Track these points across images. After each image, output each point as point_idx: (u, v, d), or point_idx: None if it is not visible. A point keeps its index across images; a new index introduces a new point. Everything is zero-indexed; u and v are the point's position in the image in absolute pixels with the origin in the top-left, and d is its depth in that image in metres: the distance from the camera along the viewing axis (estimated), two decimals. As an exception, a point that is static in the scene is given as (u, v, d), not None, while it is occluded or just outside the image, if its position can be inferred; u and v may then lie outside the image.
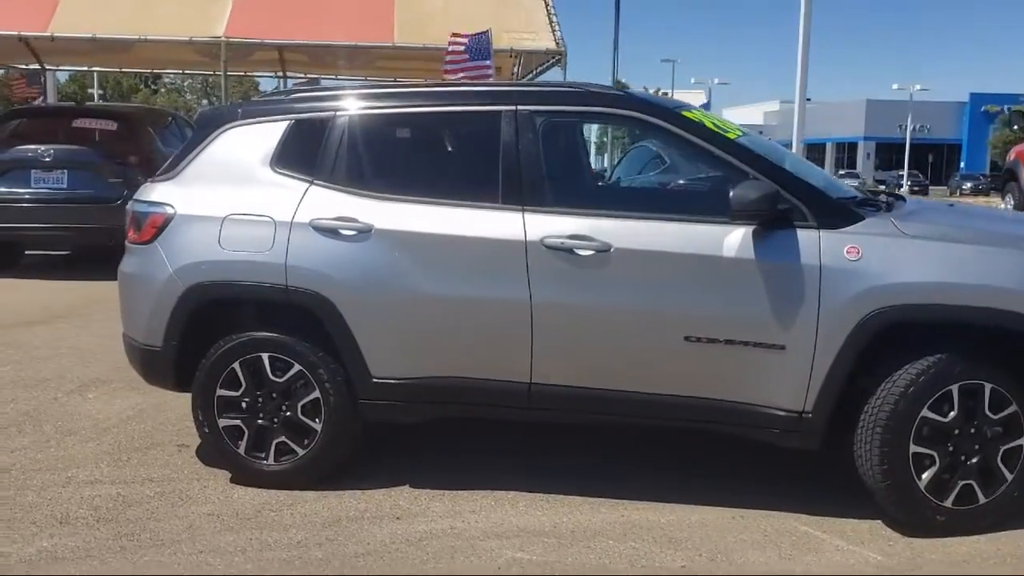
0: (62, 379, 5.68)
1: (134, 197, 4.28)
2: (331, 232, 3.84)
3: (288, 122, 4.05)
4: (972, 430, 3.50)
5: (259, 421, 3.94)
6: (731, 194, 3.52)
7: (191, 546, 3.43)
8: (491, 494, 3.92)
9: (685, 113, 3.93)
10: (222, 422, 3.96)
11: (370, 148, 4.06)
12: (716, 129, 3.84)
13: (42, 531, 3.54)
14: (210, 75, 23.90)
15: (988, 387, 3.48)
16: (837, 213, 3.63)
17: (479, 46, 10.75)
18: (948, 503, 3.52)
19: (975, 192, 44.32)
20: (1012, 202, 16.13)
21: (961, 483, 3.52)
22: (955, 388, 3.47)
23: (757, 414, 3.62)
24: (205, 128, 4.23)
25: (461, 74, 10.70)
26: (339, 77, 16.62)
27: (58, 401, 5.24)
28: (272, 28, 12.25)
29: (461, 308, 3.76)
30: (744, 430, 3.70)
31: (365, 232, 3.82)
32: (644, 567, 3.33)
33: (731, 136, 3.84)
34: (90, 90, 41.84)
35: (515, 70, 14.39)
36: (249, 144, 4.06)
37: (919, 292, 3.48)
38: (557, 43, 11.94)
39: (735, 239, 3.57)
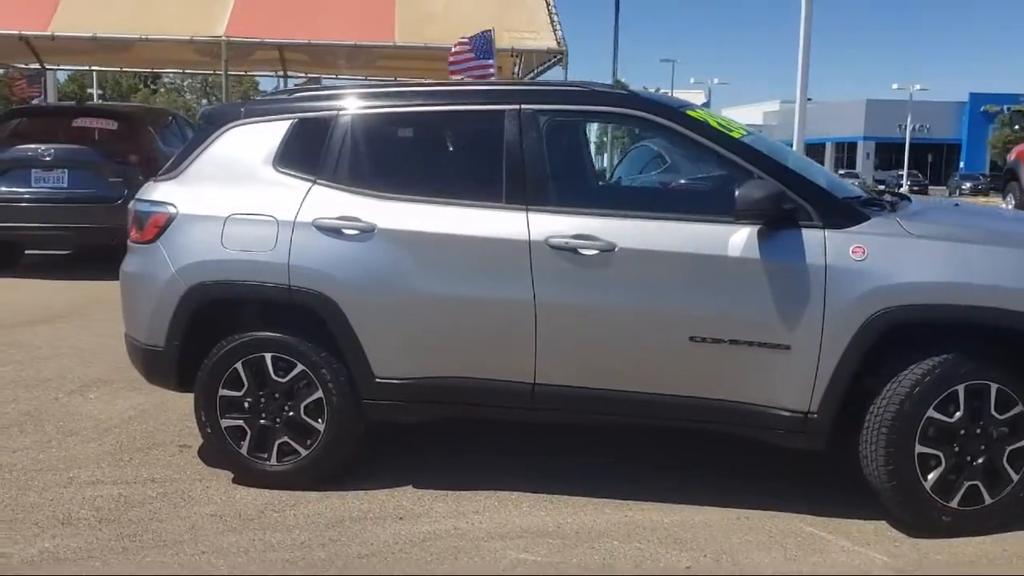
0: (63, 379, 5.66)
1: (136, 196, 4.27)
2: (334, 232, 3.82)
3: (291, 121, 4.03)
4: (978, 431, 3.49)
5: (262, 421, 3.93)
6: (736, 193, 3.50)
7: (194, 547, 3.42)
8: (494, 494, 3.90)
9: (690, 112, 3.92)
10: (224, 422, 3.95)
11: (373, 147, 4.05)
12: (721, 128, 3.82)
13: (44, 532, 3.53)
14: (210, 75, 23.90)
15: (994, 387, 3.46)
16: (842, 213, 3.62)
17: (482, 45, 10.74)
18: (954, 504, 3.51)
19: (974, 192, 44.33)
20: (1013, 202, 16.12)
21: (967, 484, 3.50)
22: (961, 388, 3.46)
23: (762, 415, 3.60)
24: (207, 127, 4.21)
25: (464, 74, 10.69)
26: (339, 77, 16.61)
27: (59, 401, 5.22)
28: (273, 27, 12.24)
29: (464, 308, 3.75)
30: (749, 431, 3.69)
31: (368, 232, 3.80)
32: (649, 568, 3.31)
33: (736, 135, 3.83)
34: (89, 90, 41.80)
35: (516, 69, 14.37)
36: (252, 143, 4.04)
37: (925, 292, 3.47)
38: (558, 42, 11.93)
39: (740, 239, 3.56)
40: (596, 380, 3.73)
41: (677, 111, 3.88)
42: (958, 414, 3.47)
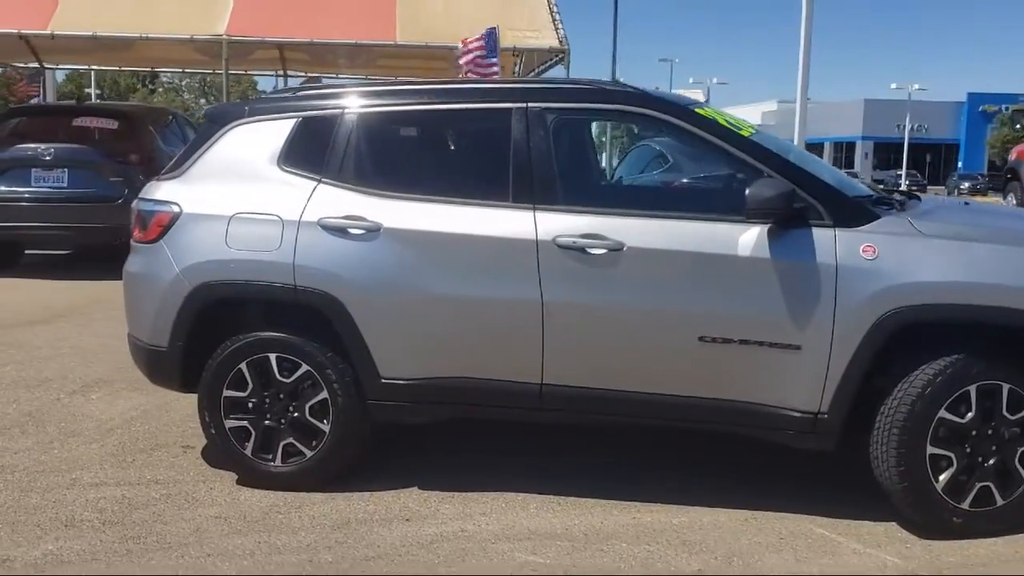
0: (64, 379, 5.63)
1: (139, 195, 4.23)
2: (339, 231, 3.79)
3: (296, 120, 4.00)
4: (989, 431, 3.46)
5: (266, 422, 3.90)
6: (747, 192, 3.48)
7: (199, 549, 3.39)
8: (501, 496, 3.87)
9: (698, 110, 3.89)
10: (229, 423, 3.92)
11: (379, 146, 4.02)
12: (730, 126, 3.79)
13: (47, 534, 3.49)
14: (209, 74, 23.85)
15: (1006, 388, 3.44)
16: (853, 212, 3.59)
17: (489, 44, 10.71)
18: (965, 505, 3.48)
19: (973, 192, 44.32)
20: (1014, 201, 16.14)
21: (978, 485, 3.48)
22: (973, 389, 3.43)
23: (772, 415, 3.57)
24: (211, 126, 4.18)
25: (469, 65, 10.64)
26: (340, 76, 16.57)
27: (61, 402, 5.19)
28: (274, 26, 12.21)
29: (471, 308, 3.72)
30: (758, 431, 3.66)
31: (374, 231, 3.77)
32: (659, 570, 3.28)
33: (745, 133, 3.80)
34: (87, 89, 41.72)
35: (516, 68, 14.34)
36: (256, 142, 4.01)
37: (936, 292, 3.44)
38: (560, 41, 11.90)
39: (750, 238, 3.53)
40: (603, 380, 3.70)
41: (686, 109, 3.85)
42: (970, 415, 3.44)
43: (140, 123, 10.33)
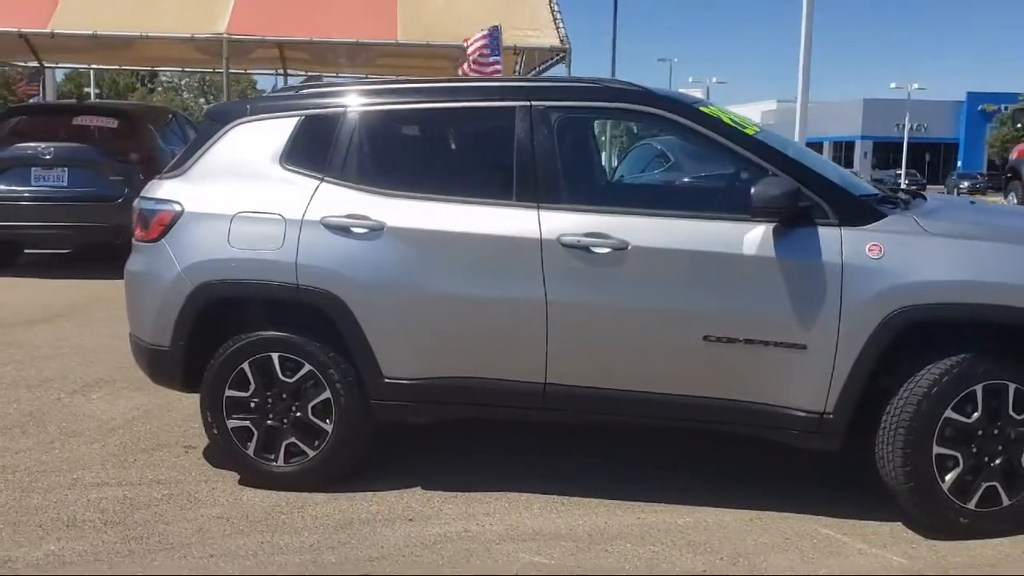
0: (65, 379, 5.61)
1: (141, 194, 4.21)
2: (342, 230, 3.77)
3: (298, 118, 3.98)
4: (996, 431, 3.44)
5: (269, 422, 3.88)
6: (752, 191, 3.46)
7: (202, 550, 3.37)
8: (504, 496, 3.86)
9: (703, 108, 3.87)
10: (231, 423, 3.90)
11: (382, 144, 4.00)
12: (735, 125, 3.77)
13: (49, 534, 3.48)
14: (208, 73, 23.82)
15: (1012, 387, 3.42)
16: (859, 211, 3.57)
17: (492, 42, 10.68)
18: (971, 505, 3.47)
19: (972, 191, 44.33)
20: (1015, 200, 16.14)
21: (985, 485, 3.46)
22: (979, 388, 3.41)
23: (777, 415, 3.56)
24: (213, 124, 4.16)
25: (473, 59, 10.60)
26: (340, 75, 16.54)
27: (61, 401, 5.17)
28: (274, 25, 12.18)
29: (475, 307, 3.70)
30: (763, 431, 3.64)
31: (377, 230, 3.75)
32: (664, 570, 3.27)
33: (750, 132, 3.78)
34: (86, 89, 41.70)
35: (517, 67, 14.32)
36: (258, 140, 3.99)
37: (942, 291, 3.42)
38: (561, 40, 11.88)
39: (755, 236, 3.51)
40: (607, 380, 3.68)
41: (691, 107, 3.83)
42: (976, 414, 3.42)
43: (140, 122, 10.32)
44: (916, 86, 59.37)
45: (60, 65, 19.11)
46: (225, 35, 11.89)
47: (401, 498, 3.84)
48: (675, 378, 3.63)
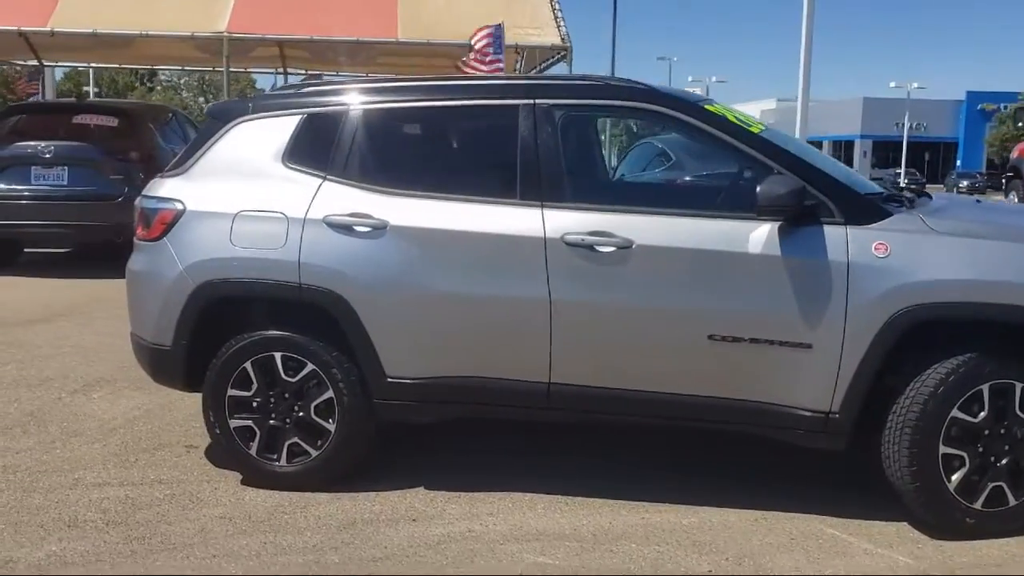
0: (66, 378, 5.58)
1: (143, 193, 4.19)
2: (345, 228, 3.75)
3: (301, 116, 3.96)
4: (1002, 431, 3.43)
5: (271, 422, 3.86)
6: (758, 189, 3.44)
7: (204, 550, 3.35)
8: (508, 496, 3.84)
9: (708, 107, 3.85)
10: (233, 423, 3.88)
11: (384, 143, 3.98)
12: (740, 123, 3.75)
13: (50, 535, 3.46)
14: (207, 72, 23.79)
15: (1019, 386, 3.41)
16: (864, 209, 3.56)
17: (496, 40, 10.65)
18: (978, 505, 3.45)
19: (972, 190, 44.33)
20: (1015, 199, 16.13)
21: (991, 485, 3.45)
22: (985, 388, 3.40)
23: (782, 415, 3.54)
24: (215, 123, 4.14)
25: (476, 56, 10.58)
26: (340, 73, 16.51)
27: (62, 401, 5.15)
28: (274, 23, 12.15)
29: (478, 306, 3.68)
30: (768, 431, 3.62)
31: (380, 228, 3.73)
32: (670, 571, 3.25)
33: (755, 130, 3.77)
34: (85, 88, 41.66)
35: (518, 66, 14.30)
36: (261, 139, 3.97)
37: (949, 290, 3.40)
38: (563, 38, 11.85)
39: (760, 235, 3.49)
40: (611, 379, 3.67)
41: (695, 106, 3.81)
42: (982, 414, 3.41)
43: (140, 121, 10.29)
44: (916, 85, 59.44)
45: (60, 64, 19.07)
46: (225, 33, 11.86)
47: (404, 498, 3.82)
48: (680, 378, 3.62)
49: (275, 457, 3.88)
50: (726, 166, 4.05)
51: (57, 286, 9.05)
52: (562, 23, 12.03)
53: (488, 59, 10.60)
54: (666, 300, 3.57)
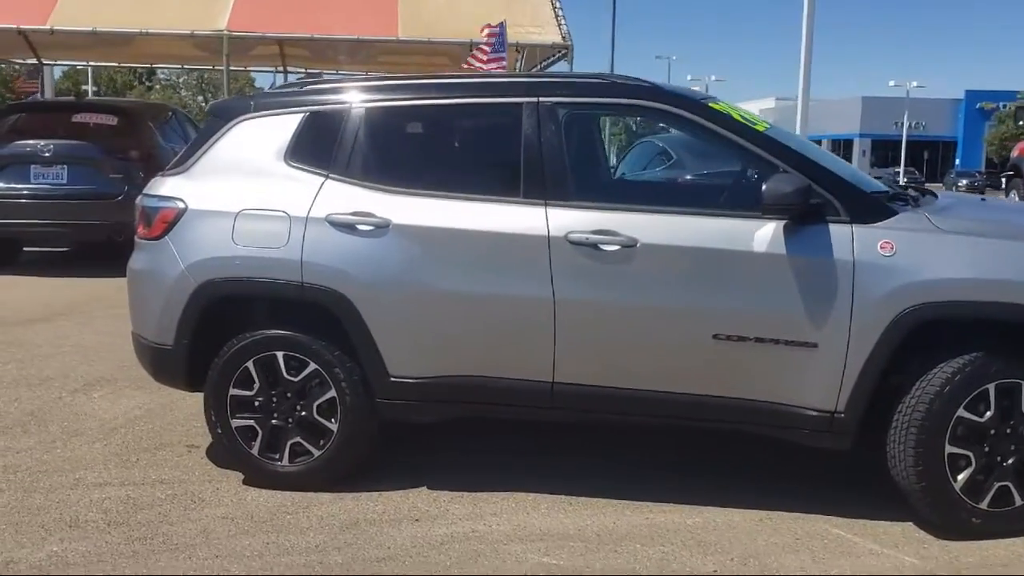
0: (66, 378, 5.56)
1: (144, 191, 4.17)
2: (347, 227, 3.73)
3: (303, 115, 3.94)
4: (1008, 430, 3.41)
5: (273, 421, 3.84)
6: (763, 188, 3.43)
7: (206, 550, 3.33)
8: (511, 496, 3.82)
9: (712, 105, 3.83)
10: (235, 422, 3.86)
11: (387, 141, 3.96)
12: (745, 121, 3.74)
13: (51, 535, 3.44)
14: (207, 71, 23.75)
15: (1026, 386, 3.39)
16: (870, 208, 3.54)
17: (499, 38, 10.63)
18: (984, 505, 3.44)
19: (971, 189, 44.34)
20: (1016, 198, 16.13)
21: (997, 484, 3.43)
22: (991, 387, 3.38)
23: (787, 414, 3.52)
24: (216, 121, 4.11)
25: (479, 54, 10.56)
26: (340, 72, 16.48)
27: (63, 400, 5.13)
28: (275, 21, 12.13)
29: (481, 305, 3.66)
30: (773, 431, 3.61)
31: (383, 227, 3.71)
32: (675, 571, 3.23)
33: (760, 128, 3.75)
34: (84, 87, 41.59)
35: (519, 64, 14.28)
36: (262, 137, 3.95)
37: (955, 288, 3.39)
38: (564, 37, 11.84)
39: (766, 234, 3.48)
40: (616, 379, 3.65)
41: (700, 103, 3.79)
42: (988, 413, 3.39)
43: (140, 119, 10.26)
44: (915, 84, 59.52)
45: (59, 62, 19.04)
46: (225, 32, 11.84)
47: (407, 498, 3.80)
48: (684, 377, 3.60)
49: (277, 457, 3.86)
50: (730, 164, 4.03)
51: (57, 285, 9.03)
52: (563, 22, 12.02)
53: (489, 57, 10.58)
54: (671, 299, 3.56)
